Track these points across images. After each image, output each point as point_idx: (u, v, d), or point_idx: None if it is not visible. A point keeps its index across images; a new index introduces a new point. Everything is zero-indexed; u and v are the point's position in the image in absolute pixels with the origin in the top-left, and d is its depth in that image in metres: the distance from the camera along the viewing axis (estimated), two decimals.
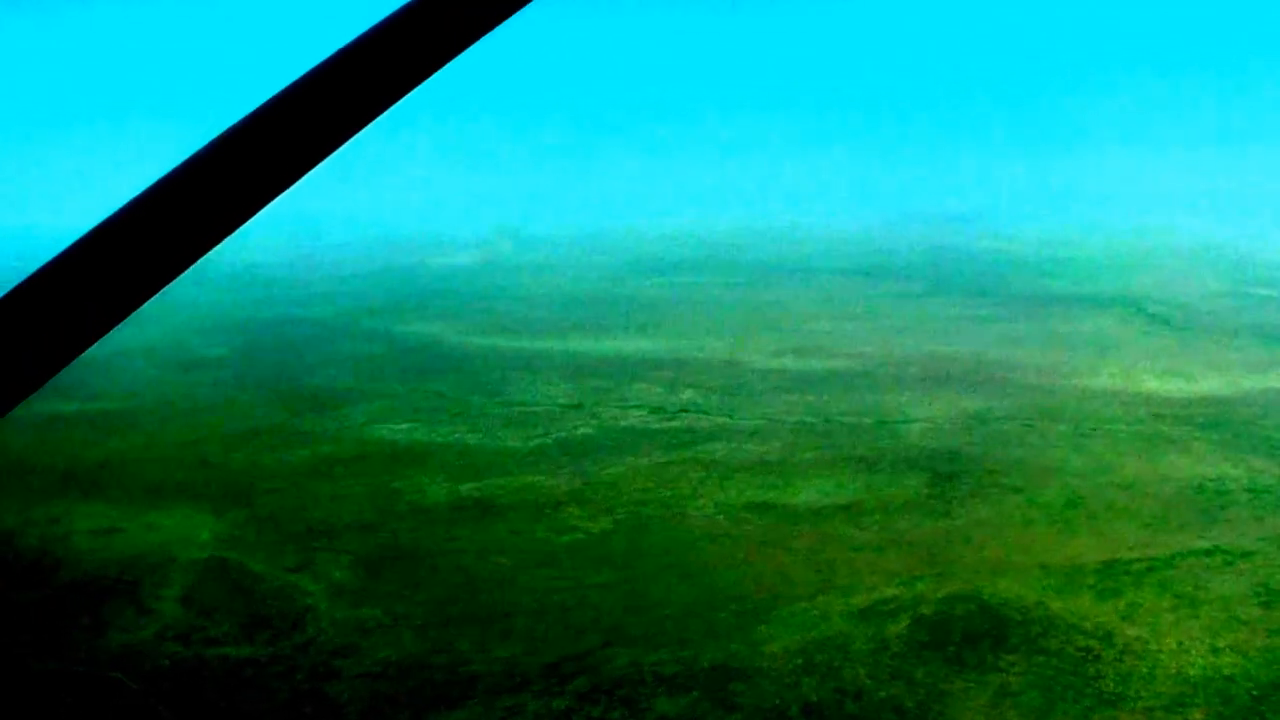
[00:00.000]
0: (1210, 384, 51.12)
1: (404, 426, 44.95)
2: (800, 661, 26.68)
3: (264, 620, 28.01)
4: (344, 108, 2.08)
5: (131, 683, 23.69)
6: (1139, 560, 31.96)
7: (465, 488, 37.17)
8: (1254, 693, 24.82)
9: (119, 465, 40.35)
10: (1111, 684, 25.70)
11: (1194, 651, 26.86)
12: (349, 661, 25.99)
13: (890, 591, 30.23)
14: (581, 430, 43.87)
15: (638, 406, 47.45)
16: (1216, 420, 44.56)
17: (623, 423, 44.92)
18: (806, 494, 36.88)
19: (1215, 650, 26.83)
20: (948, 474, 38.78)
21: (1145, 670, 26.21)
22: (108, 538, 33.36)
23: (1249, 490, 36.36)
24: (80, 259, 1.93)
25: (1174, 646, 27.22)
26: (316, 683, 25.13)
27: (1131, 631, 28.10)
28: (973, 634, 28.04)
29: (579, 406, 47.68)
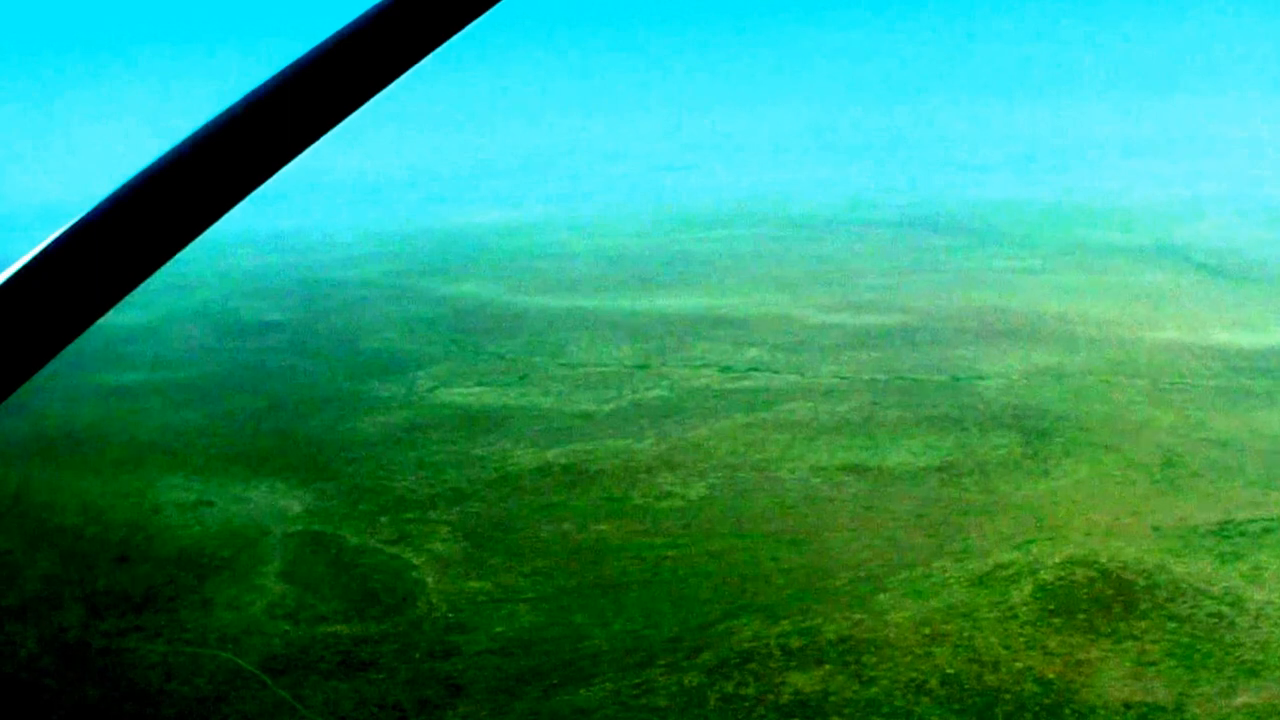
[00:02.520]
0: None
1: (474, 390, 43.90)
2: (928, 631, 25.76)
3: (371, 596, 27.08)
4: (329, 97, 2.14)
5: None
6: (1253, 521, 31.01)
7: (551, 453, 36.15)
8: None
9: (195, 435, 39.34)
10: (1251, 652, 24.80)
11: None
12: (466, 638, 25.07)
13: (1006, 556, 29.29)
14: (655, 392, 42.83)
15: (705, 366, 46.38)
16: None
17: (694, 383, 43.87)
18: (898, 455, 35.87)
19: None
20: (1037, 432, 37.77)
21: None
22: (198, 511, 32.43)
23: None
24: (65, 250, 1.95)
25: None
26: (435, 661, 24.22)
27: (1260, 596, 27.18)
28: (1100, 600, 27.13)
29: (646, 367, 46.60)
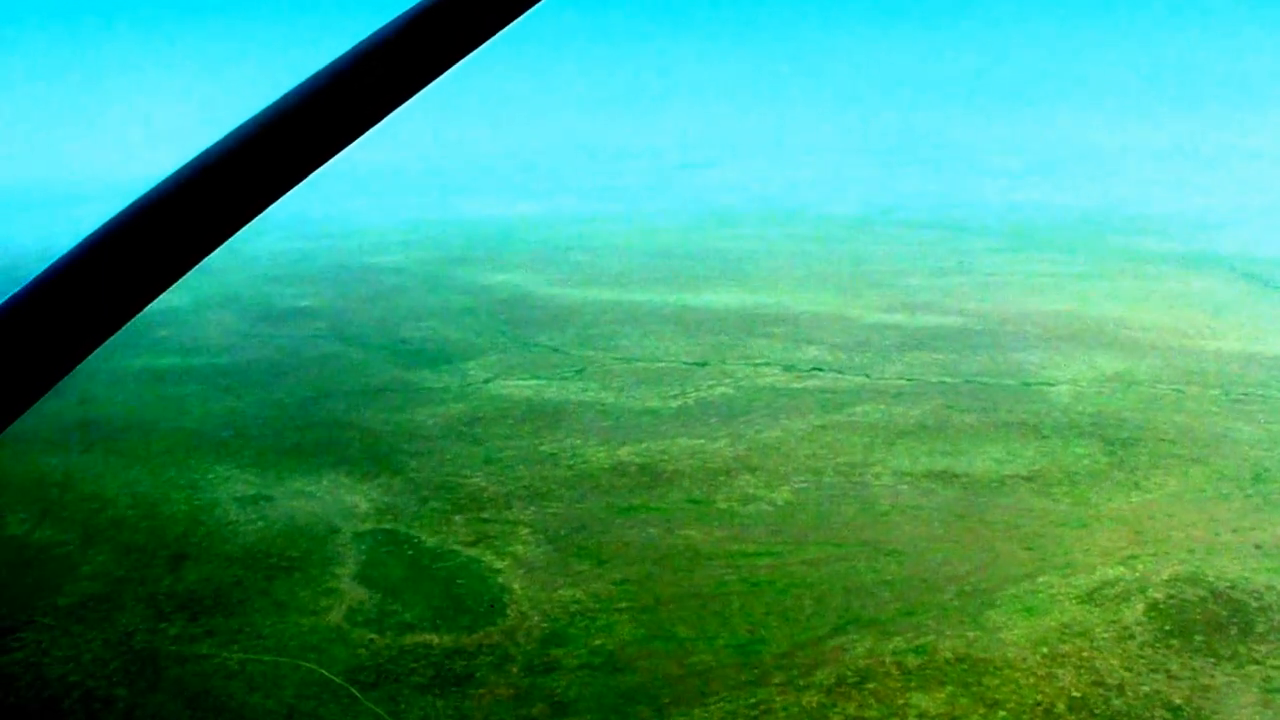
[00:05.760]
0: None
1: (530, 384, 42.30)
2: (1046, 651, 24.35)
3: (457, 602, 25.41)
4: (354, 107, 2.14)
5: None
6: None
7: (623, 452, 34.57)
8: None
9: (243, 425, 37.67)
10: None
11: None
12: (565, 651, 23.45)
13: (1111, 572, 27.88)
14: (719, 390, 41.30)
15: (767, 364, 44.89)
16: None
17: (758, 382, 42.36)
18: (982, 462, 34.42)
19: None
20: (1119, 441, 36.39)
21: None
22: (259, 506, 30.73)
23: None
24: (91, 259, 1.99)
25: None
26: (536, 676, 22.59)
27: None
28: (1215, 622, 25.74)
29: (705, 364, 45.08)
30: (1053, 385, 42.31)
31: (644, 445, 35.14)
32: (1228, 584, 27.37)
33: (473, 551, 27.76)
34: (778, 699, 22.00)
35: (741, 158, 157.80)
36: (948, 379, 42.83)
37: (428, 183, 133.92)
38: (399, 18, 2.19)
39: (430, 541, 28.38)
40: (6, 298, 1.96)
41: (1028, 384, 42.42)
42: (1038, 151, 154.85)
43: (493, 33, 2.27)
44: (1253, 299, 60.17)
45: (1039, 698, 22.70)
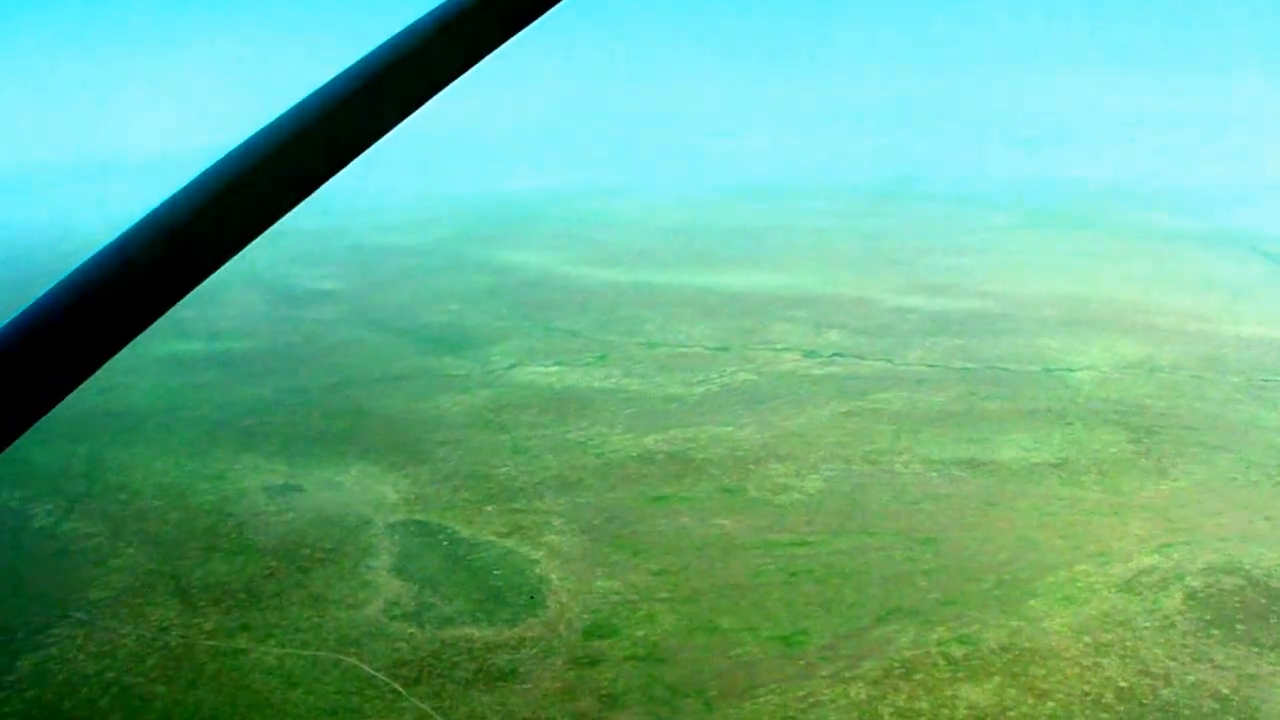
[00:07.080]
0: None
1: (553, 370, 42.04)
2: (1089, 640, 24.21)
3: (496, 595, 25.18)
4: (381, 105, 2.13)
5: None
6: None
7: (650, 440, 34.33)
8: None
9: (267, 412, 37.38)
10: None
11: None
12: (608, 644, 23.24)
13: (1147, 560, 27.72)
14: (742, 376, 41.05)
15: (788, 349, 44.64)
16: None
17: (780, 367, 42.12)
18: (1009, 449, 34.23)
19: None
20: (1144, 429, 36.20)
21: None
22: (288, 497, 30.47)
23: None
24: (130, 252, 1.93)
25: None
26: (581, 669, 22.39)
27: None
28: (1254, 610, 25.60)
29: (727, 349, 44.83)
30: (1074, 371, 42.11)
31: (671, 433, 34.92)
32: (1264, 572, 27.27)
33: (508, 542, 27.53)
34: (825, 691, 21.83)
35: (759, 126, 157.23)
36: (970, 364, 42.62)
37: (449, 154, 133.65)
38: (429, 14, 2.16)
39: (464, 532, 28.15)
40: (42, 295, 1.93)
41: (1050, 370, 42.21)
42: (1056, 119, 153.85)
43: (521, 27, 2.24)
44: (1273, 280, 59.89)
45: (1086, 688, 22.56)
